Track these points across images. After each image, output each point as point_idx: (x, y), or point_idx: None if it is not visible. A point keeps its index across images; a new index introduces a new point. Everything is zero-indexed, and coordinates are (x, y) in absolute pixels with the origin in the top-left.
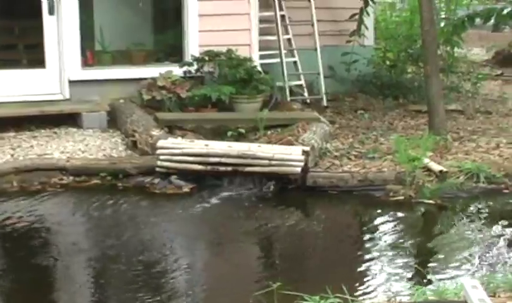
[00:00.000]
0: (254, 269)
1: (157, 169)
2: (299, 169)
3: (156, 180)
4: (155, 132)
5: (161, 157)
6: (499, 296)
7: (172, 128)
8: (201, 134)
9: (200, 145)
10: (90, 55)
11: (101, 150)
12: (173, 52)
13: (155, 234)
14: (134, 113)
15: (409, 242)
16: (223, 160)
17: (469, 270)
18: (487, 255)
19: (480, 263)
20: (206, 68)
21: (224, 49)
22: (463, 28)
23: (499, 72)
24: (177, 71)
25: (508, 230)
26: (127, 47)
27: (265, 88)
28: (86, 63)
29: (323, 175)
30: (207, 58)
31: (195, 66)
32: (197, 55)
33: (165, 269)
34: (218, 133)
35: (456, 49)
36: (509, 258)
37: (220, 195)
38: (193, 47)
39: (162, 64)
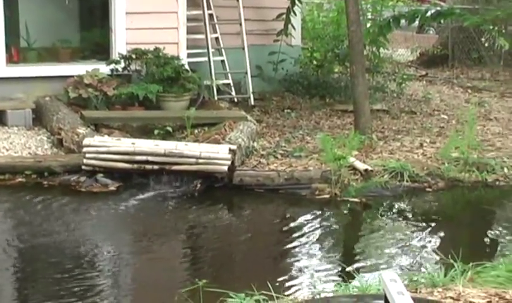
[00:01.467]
0: (180, 267)
1: (83, 167)
2: (226, 167)
3: (82, 179)
4: (82, 130)
5: (87, 155)
6: (420, 291)
7: (98, 126)
8: (128, 132)
9: (126, 143)
10: (15, 51)
11: (26, 148)
12: (100, 49)
13: (80, 233)
14: (60, 111)
15: (334, 239)
16: (150, 158)
17: (392, 267)
18: (410, 252)
19: (403, 260)
20: (133, 66)
21: (151, 47)
22: (389, 29)
23: (423, 73)
24: (104, 68)
25: (431, 228)
26: (53, 43)
27: (192, 87)
28: (10, 60)
29: (249, 173)
30: (134, 56)
31: (122, 64)
32: (124, 53)
33: (89, 268)
34: (145, 131)
35: (381, 50)
36: (429, 255)
37: (147, 193)
38: (120, 44)
39: (88, 62)
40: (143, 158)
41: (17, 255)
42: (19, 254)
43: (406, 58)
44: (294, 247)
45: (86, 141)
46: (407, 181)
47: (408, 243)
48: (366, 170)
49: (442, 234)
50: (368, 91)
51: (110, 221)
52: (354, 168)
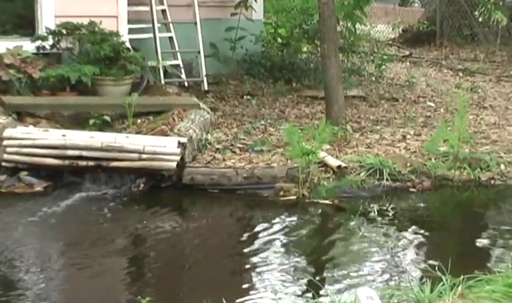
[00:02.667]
0: (119, 283)
1: (3, 164)
2: (174, 164)
3: (2, 177)
4: (1, 119)
5: (8, 149)
6: None
7: (22, 115)
8: (57, 122)
9: (56, 135)
10: None
11: None
12: (24, 23)
13: None
14: None
15: (302, 248)
16: (84, 153)
17: (368, 280)
18: (389, 263)
19: (382, 273)
20: (64, 43)
21: (85, 21)
22: (366, 1)
23: (406, 52)
24: (28, 46)
25: (414, 235)
26: None
27: (134, 68)
28: None
29: (202, 171)
30: (64, 31)
31: (50, 41)
32: (53, 27)
33: (8, 284)
34: (78, 121)
35: (358, 25)
36: (412, 266)
37: (81, 195)
38: (47, 17)
39: (9, 38)
40: (76, 152)
41: None
42: None
43: (386, 35)
44: (255, 258)
45: (6, 133)
46: (387, 180)
47: (387, 253)
48: (339, 167)
49: (428, 242)
50: (342, 75)
51: (35, 229)
52: (325, 165)
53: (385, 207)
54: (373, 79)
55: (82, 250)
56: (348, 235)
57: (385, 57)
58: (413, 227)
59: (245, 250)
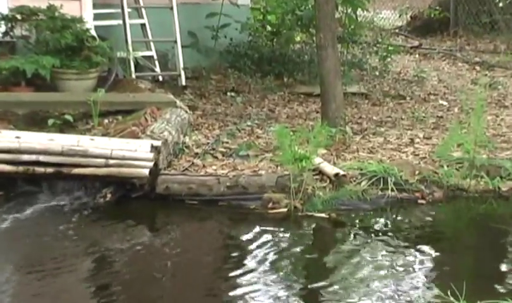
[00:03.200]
0: None
1: None
2: (146, 171)
3: None
4: None
5: None
6: None
7: None
8: (11, 122)
9: (8, 137)
10: None
11: None
12: None
13: None
14: None
15: (293, 271)
16: (42, 158)
17: None
18: (395, 288)
19: (384, 299)
20: (18, 31)
21: (43, 5)
22: None
23: (415, 43)
24: None
25: (423, 254)
26: None
27: (100, 60)
28: None
29: (179, 179)
30: (19, 16)
31: (3, 28)
32: (5, 12)
33: None
34: (35, 121)
35: (359, 12)
36: (422, 291)
37: (37, 206)
38: None
39: None
40: (32, 157)
41: None
42: None
43: (392, 23)
44: (239, 280)
45: None
46: (392, 190)
47: (393, 276)
48: (337, 175)
49: (439, 262)
50: (341, 68)
51: None
52: (321, 173)
53: (390, 222)
54: (377, 73)
55: (36, 273)
56: (347, 254)
57: (390, 48)
58: (423, 245)
59: (228, 273)
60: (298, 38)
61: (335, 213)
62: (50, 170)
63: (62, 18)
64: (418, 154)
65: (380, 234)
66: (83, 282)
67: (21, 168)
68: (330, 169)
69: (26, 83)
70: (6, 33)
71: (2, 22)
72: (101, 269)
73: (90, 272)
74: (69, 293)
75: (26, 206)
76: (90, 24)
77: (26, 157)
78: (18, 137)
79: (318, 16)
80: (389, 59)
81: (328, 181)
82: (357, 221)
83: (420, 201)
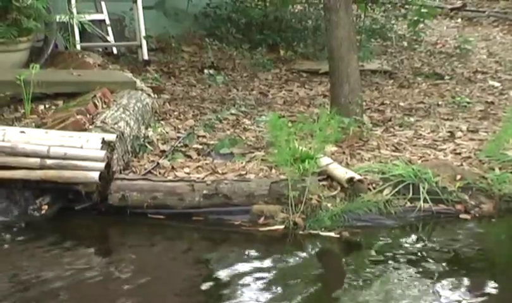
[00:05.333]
0: None
1: None
2: (96, 174)
3: None
4: None
5: None
6: None
7: None
8: None
9: None
10: None
11: None
12: None
13: None
14: None
15: None
16: None
17: None
18: None
19: None
20: None
21: None
22: None
23: (457, 3)
24: None
25: (468, 286)
26: None
27: (34, 26)
28: None
29: (139, 185)
30: None
31: None
32: None
33: None
34: None
35: None
36: None
37: None
38: None
39: None
40: None
41: None
42: None
43: None
44: None
45: None
46: (425, 201)
47: None
48: (351, 181)
49: (486, 298)
50: (357, 38)
51: None
52: (329, 177)
53: (421, 244)
54: (405, 44)
55: None
56: (363, 287)
57: (423, 10)
58: (466, 277)
59: None
60: None
61: (348, 231)
62: None
63: None
64: (460, 153)
65: (408, 260)
66: None
67: None
68: (342, 173)
69: None
70: None
71: None
72: None
73: None
74: None
75: None
76: None
77: None
78: None
79: None
80: (421, 25)
81: (339, 189)
82: (377, 242)
83: (462, 216)
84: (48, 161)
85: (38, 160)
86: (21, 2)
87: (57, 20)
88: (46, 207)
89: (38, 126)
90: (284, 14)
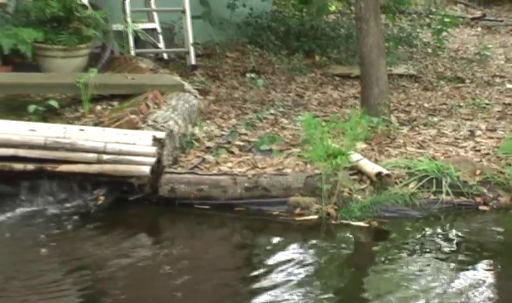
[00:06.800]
0: None
1: None
2: (147, 169)
3: None
4: None
5: None
6: None
7: None
8: None
9: None
10: None
11: None
12: None
13: None
14: None
15: (325, 292)
16: (21, 152)
17: None
18: None
19: None
20: None
21: None
22: None
23: (477, 13)
24: None
25: (487, 273)
26: None
27: (93, 34)
28: None
29: (187, 178)
30: None
31: None
32: None
33: None
34: (13, 107)
35: None
36: None
37: (13, 211)
38: None
39: None
40: (9, 151)
41: None
42: None
43: None
44: None
45: None
46: (447, 194)
47: (447, 300)
48: (379, 175)
49: (507, 283)
50: (385, 45)
51: None
52: (359, 172)
53: (444, 233)
54: (430, 51)
55: (11, 291)
56: (392, 272)
57: (446, 19)
58: (486, 262)
59: (243, 292)
60: (332, 8)
61: (376, 221)
62: (30, 166)
63: None
64: (479, 150)
65: (432, 247)
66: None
67: None
68: (370, 167)
69: (3, 61)
70: None
71: None
72: (90, 291)
73: (75, 294)
74: None
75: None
76: None
77: (1, 151)
78: None
79: None
80: (444, 33)
81: (368, 182)
82: (403, 231)
83: (481, 208)
84: (105, 157)
85: (95, 155)
86: (81, 13)
87: (114, 29)
88: (103, 198)
89: (95, 124)
90: (319, 23)
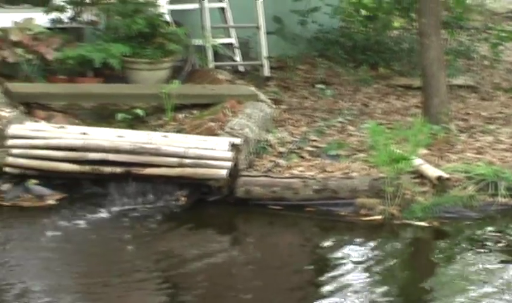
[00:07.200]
0: None
1: (7, 169)
2: (225, 172)
3: (5, 187)
4: (5, 112)
5: (13, 151)
6: None
7: (31, 107)
8: (76, 116)
9: (74, 134)
10: None
11: None
12: None
13: None
14: None
15: (389, 287)
16: (110, 156)
17: None
18: None
19: None
20: (86, 16)
21: None
22: None
23: None
24: (41, 18)
25: None
26: None
27: (175, 48)
28: None
29: (261, 181)
30: (87, 0)
31: (69, 12)
32: None
33: None
34: (103, 116)
35: None
36: None
37: (103, 210)
38: None
39: (18, 8)
40: (99, 156)
41: None
42: None
43: (506, 5)
44: (327, 299)
45: (12, 130)
46: (504, 196)
47: (504, 294)
48: (439, 179)
49: None
50: (445, 58)
51: (42, 255)
52: (421, 176)
53: (500, 233)
54: (487, 63)
55: (103, 285)
56: (452, 269)
57: (503, 34)
58: None
59: (314, 287)
60: (396, 24)
61: (437, 221)
62: (118, 170)
63: (134, 2)
64: None
65: (490, 247)
66: (150, 294)
67: (87, 168)
68: (431, 172)
69: (94, 73)
70: (72, 19)
71: (70, 6)
72: (173, 283)
73: (158, 283)
74: None
75: (91, 210)
76: (164, 8)
77: (92, 155)
78: (84, 134)
79: None
80: (501, 47)
81: (429, 185)
82: (462, 231)
83: None
84: (186, 161)
85: (177, 159)
86: (165, 29)
87: (194, 43)
88: (184, 199)
89: (177, 131)
90: (383, 38)
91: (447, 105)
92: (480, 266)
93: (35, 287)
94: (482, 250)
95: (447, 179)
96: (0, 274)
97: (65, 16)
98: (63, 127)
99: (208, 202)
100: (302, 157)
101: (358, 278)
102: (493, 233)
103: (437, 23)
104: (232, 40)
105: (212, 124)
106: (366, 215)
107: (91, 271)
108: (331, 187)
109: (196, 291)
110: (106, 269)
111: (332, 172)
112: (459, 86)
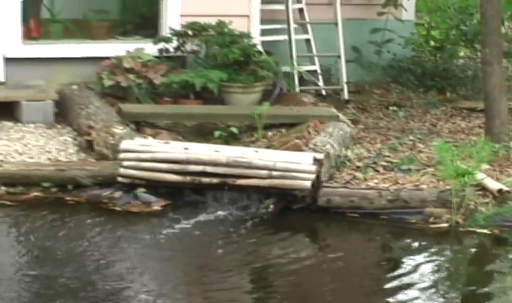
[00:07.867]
0: None
1: (119, 179)
2: (309, 183)
3: (117, 194)
4: (118, 129)
5: (125, 163)
6: None
7: (141, 125)
8: (179, 133)
9: (177, 148)
10: (35, 24)
11: (45, 152)
12: (145, 23)
13: (110, 269)
14: (91, 103)
15: (456, 288)
16: (208, 168)
17: None
18: None
19: None
20: (189, 46)
21: (213, 21)
22: None
23: None
24: (150, 48)
25: None
26: (84, 15)
27: (266, 74)
28: (28, 35)
29: (340, 191)
30: (190, 32)
31: (175, 43)
32: (178, 28)
33: None
34: (202, 133)
35: None
36: None
37: (202, 216)
38: (172, 17)
39: (130, 39)
40: (199, 168)
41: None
42: (30, 295)
43: None
44: (399, 297)
45: (124, 145)
46: None
47: None
48: (500, 191)
49: None
50: (506, 83)
51: (150, 254)
52: (483, 188)
53: None
54: None
55: (201, 282)
56: (509, 272)
57: None
58: None
59: (388, 287)
60: (461, 54)
61: (497, 229)
62: (215, 180)
63: (230, 34)
64: None
65: None
66: (245, 298)
67: (188, 179)
68: (493, 185)
69: (195, 95)
70: (177, 48)
71: (175, 38)
72: (262, 282)
73: (249, 279)
74: (227, 299)
75: (192, 216)
76: (257, 39)
77: (193, 168)
78: (186, 149)
79: (484, 31)
80: None
81: (491, 197)
82: None
83: None
84: (274, 173)
85: (267, 171)
86: (257, 58)
87: (283, 70)
88: (272, 206)
89: (267, 147)
90: (450, 65)
91: (508, 126)
92: None
93: (139, 279)
94: None
95: (508, 192)
96: (114, 270)
97: (171, 46)
98: (168, 142)
99: (293, 209)
100: (377, 171)
101: (426, 276)
102: None
103: (499, 52)
104: (316, 67)
105: (298, 141)
106: (434, 223)
107: (190, 271)
108: (403, 198)
109: (285, 289)
110: (205, 268)
111: (403, 184)
112: None
